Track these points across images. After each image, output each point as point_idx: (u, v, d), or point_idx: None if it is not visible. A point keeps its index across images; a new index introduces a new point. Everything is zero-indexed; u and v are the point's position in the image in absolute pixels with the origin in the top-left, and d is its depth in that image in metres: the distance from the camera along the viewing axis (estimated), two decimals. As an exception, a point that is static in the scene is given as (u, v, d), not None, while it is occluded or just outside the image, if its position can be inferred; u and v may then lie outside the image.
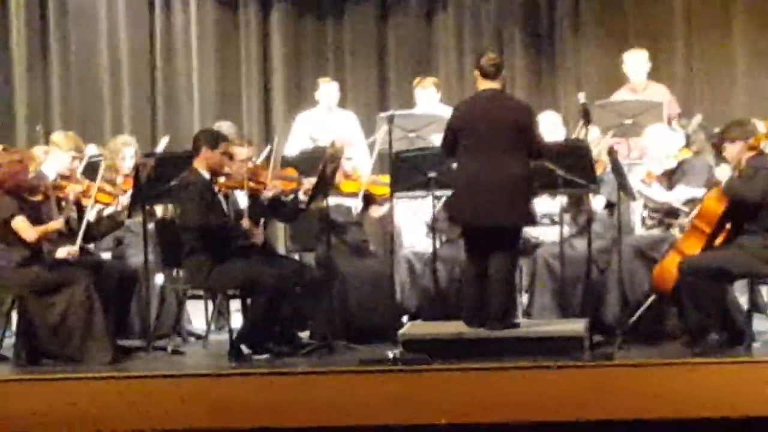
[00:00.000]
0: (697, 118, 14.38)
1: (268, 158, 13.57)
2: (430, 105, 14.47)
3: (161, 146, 15.00)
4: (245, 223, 12.48)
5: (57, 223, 12.44)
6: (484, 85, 12.20)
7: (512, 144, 11.87)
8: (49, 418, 11.23)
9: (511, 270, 12.21)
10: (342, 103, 15.29)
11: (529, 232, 12.96)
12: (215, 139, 12.70)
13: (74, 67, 17.08)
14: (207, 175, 12.46)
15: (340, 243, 13.38)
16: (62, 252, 12.55)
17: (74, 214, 12.86)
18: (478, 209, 12.00)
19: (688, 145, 13.79)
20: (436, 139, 13.03)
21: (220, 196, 12.61)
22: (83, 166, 13.65)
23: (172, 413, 11.22)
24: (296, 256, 13.48)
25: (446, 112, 13.62)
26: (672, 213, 13.05)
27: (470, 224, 12.22)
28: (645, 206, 13.29)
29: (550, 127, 13.75)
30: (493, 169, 11.82)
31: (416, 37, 16.98)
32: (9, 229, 12.32)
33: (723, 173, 12.06)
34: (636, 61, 15.17)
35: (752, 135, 12.20)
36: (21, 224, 12.25)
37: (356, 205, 13.70)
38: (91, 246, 12.99)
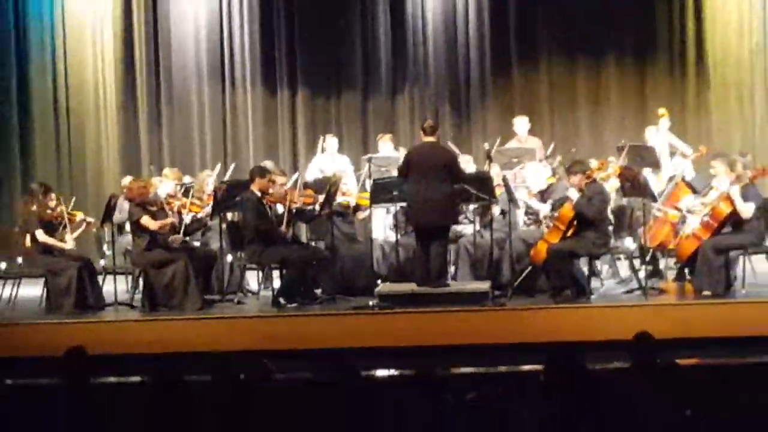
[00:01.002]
0: (559, 158, 14.37)
1: (295, 183, 13.73)
2: (389, 151, 14.57)
3: (230, 170, 15.09)
4: (283, 229, 12.64)
5: (168, 220, 12.51)
6: (425, 139, 12.28)
7: (442, 175, 11.97)
8: (162, 343, 11.37)
9: (443, 251, 12.28)
10: (340, 150, 15.22)
11: (455, 228, 13.00)
12: (263, 171, 12.80)
13: (177, 127, 16.95)
14: (258, 194, 12.54)
15: (339, 234, 13.43)
16: (174, 239, 12.72)
17: (176, 219, 13.03)
18: (422, 215, 12.15)
19: (554, 175, 13.91)
20: (395, 172, 13.12)
21: (267, 207, 12.74)
22: (182, 189, 13.73)
23: (237, 340, 11.35)
24: (313, 243, 13.52)
25: (399, 155, 13.76)
26: (539, 217, 13.24)
27: (418, 224, 12.35)
28: (525, 213, 13.43)
29: (467, 165, 13.91)
30: (430, 191, 11.91)
31: (385, 110, 16.80)
32: (138, 226, 12.41)
33: (572, 194, 12.23)
34: (520, 123, 15.10)
35: (588, 169, 12.41)
36: (147, 221, 12.31)
37: (351, 201, 13.85)
38: (187, 238, 13.05)
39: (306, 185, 13.77)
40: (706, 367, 9.83)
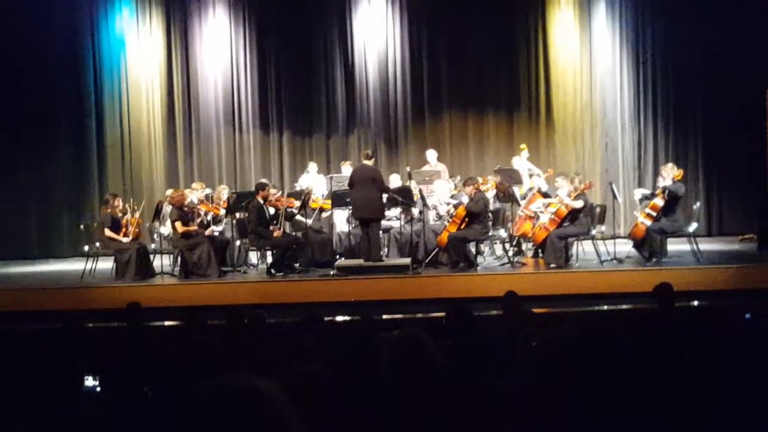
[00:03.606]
0: (459, 177, 14.43)
1: (283, 194, 13.71)
2: (347, 172, 14.50)
3: (238, 185, 15.01)
4: (275, 233, 12.55)
5: (193, 227, 12.52)
6: (365, 162, 12.32)
7: (372, 186, 12.02)
8: (192, 299, 11.33)
9: (376, 235, 12.26)
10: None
11: (386, 222, 13.03)
12: (264, 185, 12.76)
13: (203, 155, 16.77)
14: (261, 201, 12.53)
15: (310, 228, 13.46)
16: (207, 231, 12.73)
17: (203, 217, 13.00)
18: (360, 211, 12.17)
19: (456, 187, 13.97)
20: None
21: (266, 210, 12.68)
22: (206, 197, 13.69)
23: (243, 296, 11.36)
24: (293, 234, 13.49)
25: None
26: (442, 216, 13.27)
27: (360, 218, 12.31)
28: (435, 213, 13.50)
29: (395, 181, 13.92)
30: (366, 196, 12.01)
31: (342, 145, 16.71)
32: (173, 225, 12.46)
33: (465, 200, 12.28)
34: (431, 153, 15.03)
35: (476, 183, 12.45)
36: (177, 225, 12.30)
37: (316, 212, 13.83)
38: (212, 228, 13.02)
39: (289, 195, 13.75)
40: (551, 313, 9.93)
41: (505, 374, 4.47)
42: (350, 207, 12.67)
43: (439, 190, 13.60)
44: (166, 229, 13.31)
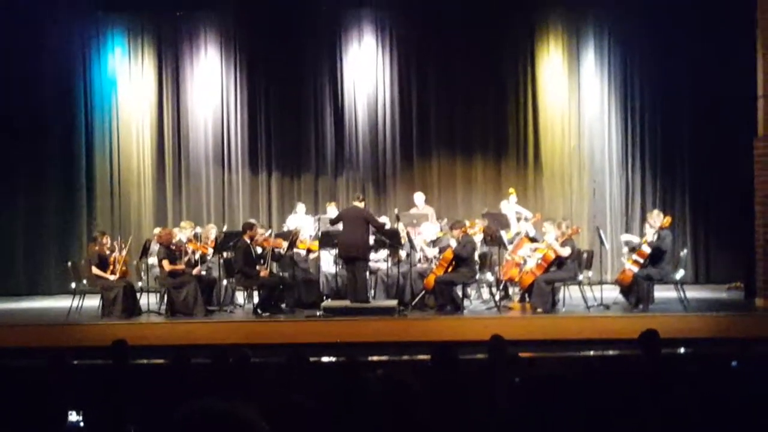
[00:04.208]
0: (445, 220, 14.50)
1: (271, 234, 13.73)
2: (333, 213, 14.49)
3: (226, 225, 15.02)
4: (262, 272, 12.59)
5: (180, 266, 12.55)
6: (355, 203, 12.53)
7: (361, 226, 12.18)
8: (179, 338, 11.31)
9: (363, 274, 12.35)
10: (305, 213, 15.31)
11: (373, 264, 13.10)
12: (251, 225, 12.83)
13: (192, 194, 16.76)
14: (248, 241, 12.57)
15: (298, 268, 13.47)
16: (195, 270, 12.77)
17: (191, 256, 13.02)
18: (347, 250, 12.27)
19: (442, 230, 14.01)
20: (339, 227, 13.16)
21: (253, 249, 12.71)
22: (194, 236, 13.70)
23: (228, 336, 11.32)
24: (281, 274, 13.49)
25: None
26: (430, 258, 13.32)
27: (347, 257, 12.38)
28: (421, 255, 13.53)
29: (385, 222, 14.00)
30: (353, 235, 12.15)
31: (330, 186, 16.71)
32: (160, 263, 12.51)
33: (452, 243, 12.34)
34: (419, 197, 15.09)
35: (463, 226, 12.54)
36: (165, 263, 12.37)
37: (303, 253, 13.84)
38: (198, 267, 13.03)
39: (277, 235, 13.76)
40: (537, 357, 9.94)
41: (488, 412, 4.50)
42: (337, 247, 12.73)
43: (426, 233, 13.66)
44: (153, 259, 13.33)
